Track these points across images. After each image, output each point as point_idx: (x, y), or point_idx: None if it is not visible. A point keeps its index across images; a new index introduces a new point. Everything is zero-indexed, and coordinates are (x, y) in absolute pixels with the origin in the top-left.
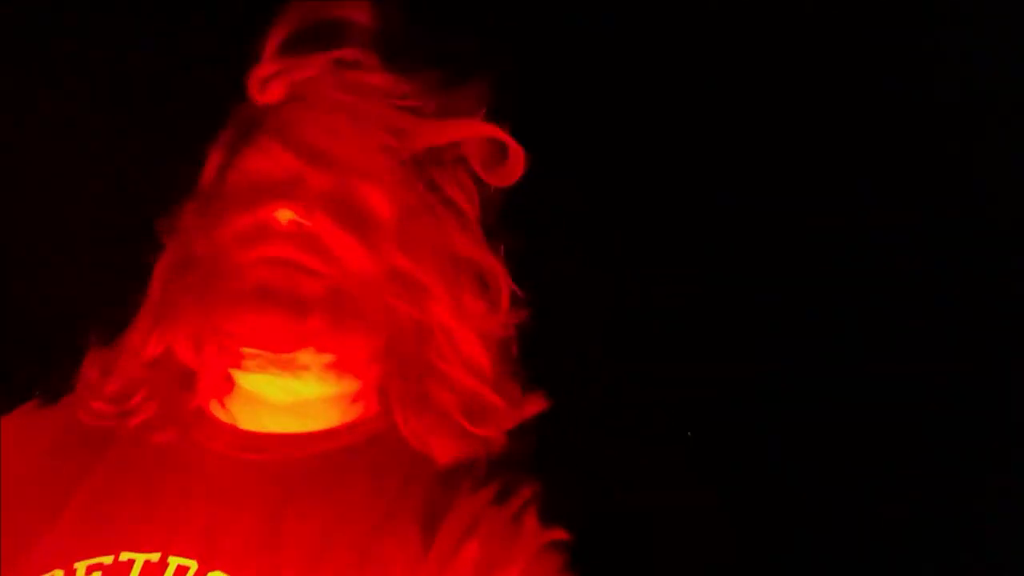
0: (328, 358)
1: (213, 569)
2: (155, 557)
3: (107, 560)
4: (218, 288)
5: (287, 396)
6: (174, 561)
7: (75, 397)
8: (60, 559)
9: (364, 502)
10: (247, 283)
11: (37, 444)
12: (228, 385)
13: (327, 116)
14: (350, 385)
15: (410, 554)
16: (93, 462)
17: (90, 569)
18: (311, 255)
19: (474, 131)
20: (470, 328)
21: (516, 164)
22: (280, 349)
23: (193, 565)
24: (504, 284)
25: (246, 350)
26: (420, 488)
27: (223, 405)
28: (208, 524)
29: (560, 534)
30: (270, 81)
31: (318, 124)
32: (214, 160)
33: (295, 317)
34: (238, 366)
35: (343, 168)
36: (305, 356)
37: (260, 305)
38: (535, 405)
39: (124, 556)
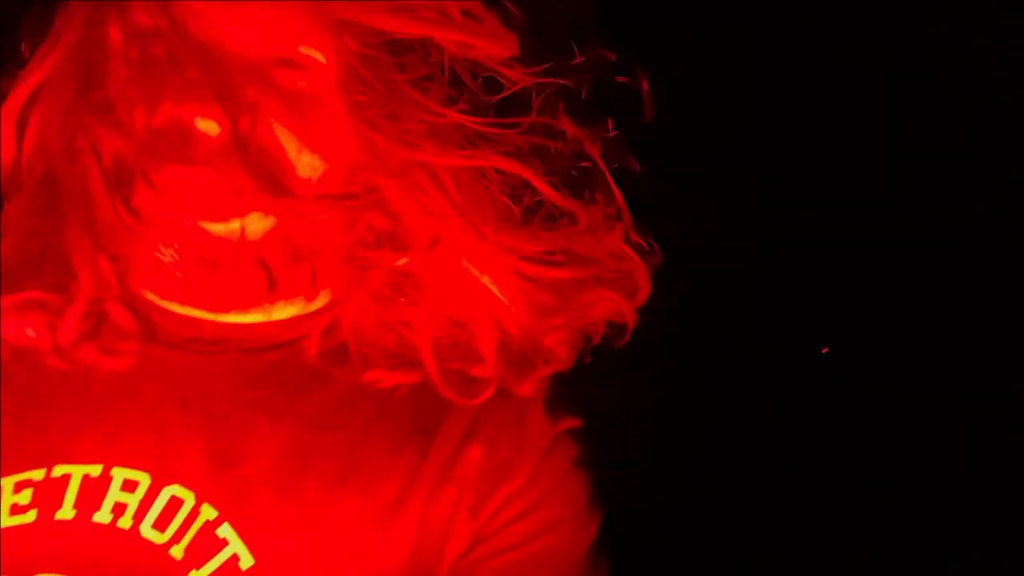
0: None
1: (168, 483)
2: (96, 470)
3: (37, 475)
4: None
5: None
6: (119, 474)
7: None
8: None
9: (343, 403)
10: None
11: None
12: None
13: None
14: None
15: (401, 466)
16: (17, 373)
17: (19, 486)
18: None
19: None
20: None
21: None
22: (223, 214)
23: (144, 479)
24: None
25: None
26: (403, 389)
27: (164, 293)
28: (159, 432)
29: (571, 423)
30: None
31: None
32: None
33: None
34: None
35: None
36: (253, 222)
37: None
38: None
39: (58, 470)
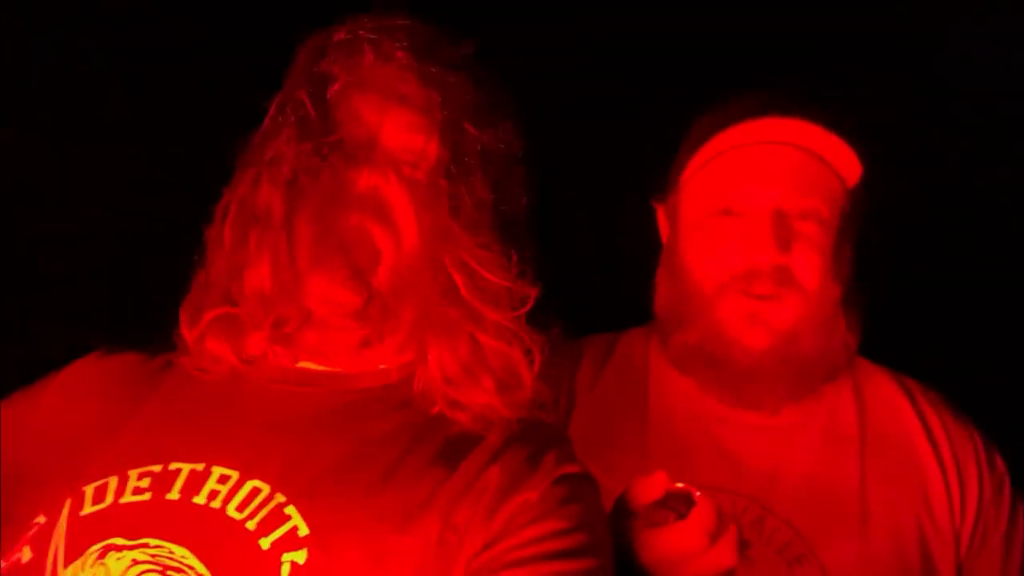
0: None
1: (252, 478)
2: (200, 467)
3: (156, 468)
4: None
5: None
6: (217, 470)
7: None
8: (115, 467)
9: (391, 432)
10: (327, 250)
11: (104, 379)
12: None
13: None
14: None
15: (433, 477)
16: (150, 393)
17: (141, 475)
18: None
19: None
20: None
21: None
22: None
23: (234, 474)
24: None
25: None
26: (445, 428)
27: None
28: (250, 442)
29: (575, 468)
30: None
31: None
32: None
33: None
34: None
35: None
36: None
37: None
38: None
39: (173, 465)
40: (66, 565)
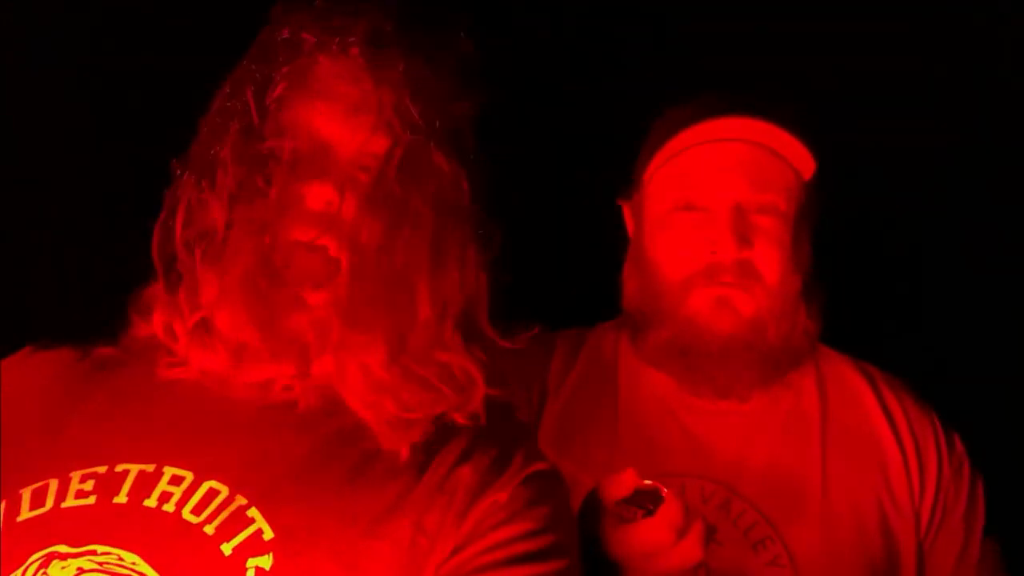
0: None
1: (208, 479)
2: (150, 467)
3: (101, 469)
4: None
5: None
6: (169, 471)
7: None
8: (55, 469)
9: (353, 429)
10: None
11: (38, 377)
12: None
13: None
14: None
15: (402, 477)
16: (94, 390)
17: (84, 477)
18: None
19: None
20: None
21: None
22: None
23: (188, 475)
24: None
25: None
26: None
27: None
28: (204, 440)
29: (543, 465)
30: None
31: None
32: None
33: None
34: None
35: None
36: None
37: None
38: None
39: (120, 467)
40: (5, 575)
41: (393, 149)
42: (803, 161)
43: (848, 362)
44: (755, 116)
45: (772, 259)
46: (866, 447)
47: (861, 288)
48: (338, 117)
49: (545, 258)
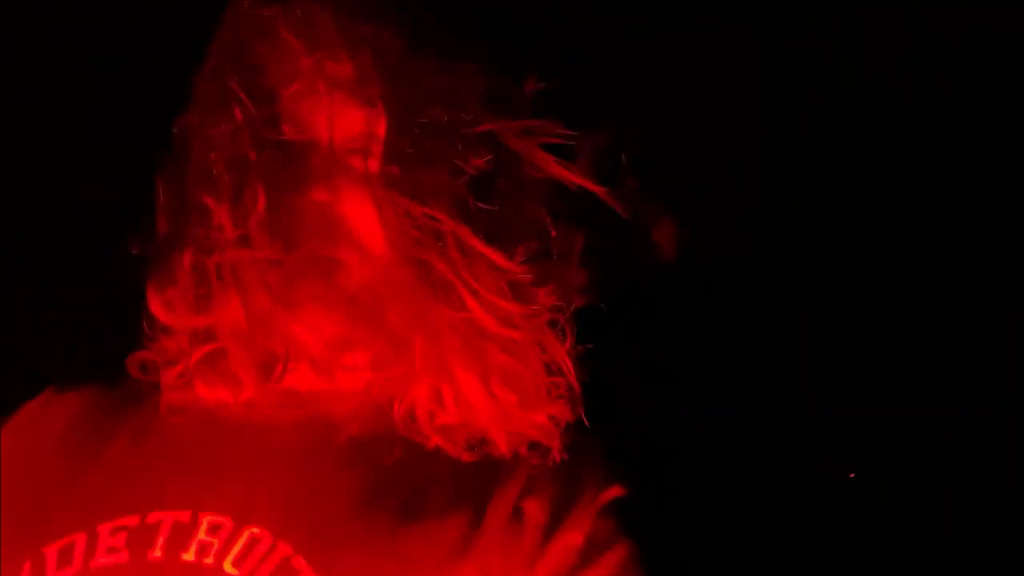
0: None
1: (248, 525)
2: (185, 515)
3: (132, 521)
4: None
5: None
6: (205, 518)
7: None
8: (81, 522)
9: (405, 460)
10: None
11: (60, 421)
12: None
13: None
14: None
15: (462, 515)
16: (117, 431)
17: (114, 530)
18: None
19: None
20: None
21: None
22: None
23: (226, 522)
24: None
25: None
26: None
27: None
28: (241, 479)
29: (618, 490)
30: None
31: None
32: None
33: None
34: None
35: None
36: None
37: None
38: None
39: (152, 517)
40: None
41: (386, 126)
42: None
43: None
44: None
45: None
46: None
47: None
48: (320, 103)
49: None
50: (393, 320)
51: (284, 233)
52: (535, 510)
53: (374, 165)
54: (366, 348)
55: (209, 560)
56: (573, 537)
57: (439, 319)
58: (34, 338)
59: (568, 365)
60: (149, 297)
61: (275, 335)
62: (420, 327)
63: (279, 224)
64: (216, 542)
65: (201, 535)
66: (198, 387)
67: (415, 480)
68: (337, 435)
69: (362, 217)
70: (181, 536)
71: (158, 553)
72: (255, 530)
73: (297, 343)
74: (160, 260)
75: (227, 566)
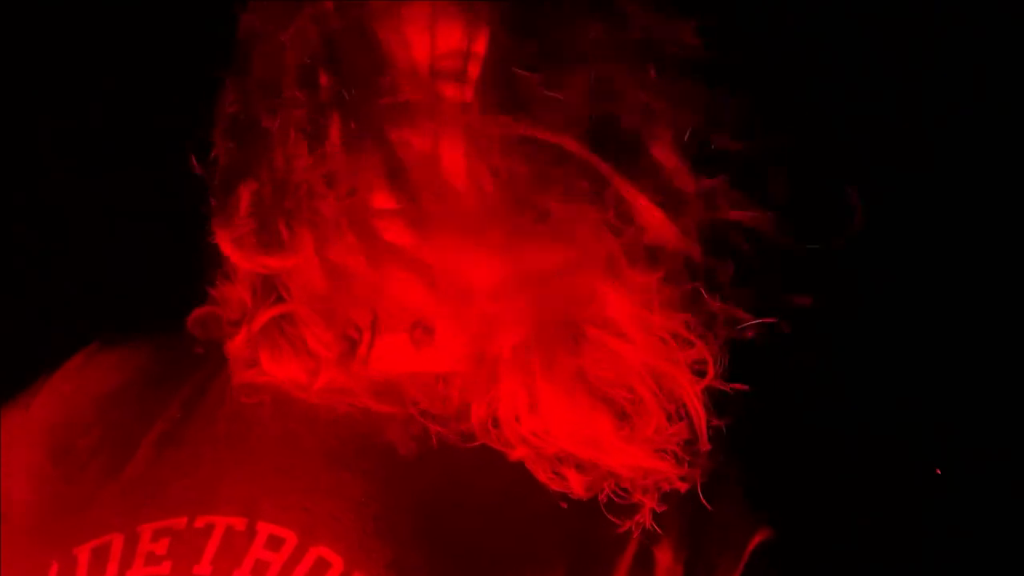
0: None
1: (316, 544)
2: (240, 523)
3: (178, 523)
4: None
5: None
6: (265, 529)
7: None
8: (119, 520)
9: (513, 495)
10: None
11: (102, 385)
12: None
13: None
14: None
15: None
16: (167, 404)
17: (157, 534)
18: None
19: None
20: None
21: None
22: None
23: (289, 538)
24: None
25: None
26: None
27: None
28: (309, 485)
29: (765, 532)
30: None
31: None
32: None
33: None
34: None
35: None
36: None
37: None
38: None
39: (201, 520)
40: None
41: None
42: None
43: None
44: None
45: None
46: None
47: None
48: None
49: None
50: (486, 286)
51: (365, 173)
52: (667, 560)
53: (469, 92)
54: (455, 325)
55: None
56: None
57: (547, 296)
58: (83, 284)
59: (701, 403)
60: (215, 230)
61: (359, 301)
62: (519, 306)
63: (359, 162)
64: (275, 560)
65: (258, 550)
66: (263, 360)
67: (516, 520)
68: (427, 442)
69: (457, 157)
70: (234, 548)
71: (206, 568)
72: (324, 552)
73: (387, 312)
74: (223, 191)
75: None
